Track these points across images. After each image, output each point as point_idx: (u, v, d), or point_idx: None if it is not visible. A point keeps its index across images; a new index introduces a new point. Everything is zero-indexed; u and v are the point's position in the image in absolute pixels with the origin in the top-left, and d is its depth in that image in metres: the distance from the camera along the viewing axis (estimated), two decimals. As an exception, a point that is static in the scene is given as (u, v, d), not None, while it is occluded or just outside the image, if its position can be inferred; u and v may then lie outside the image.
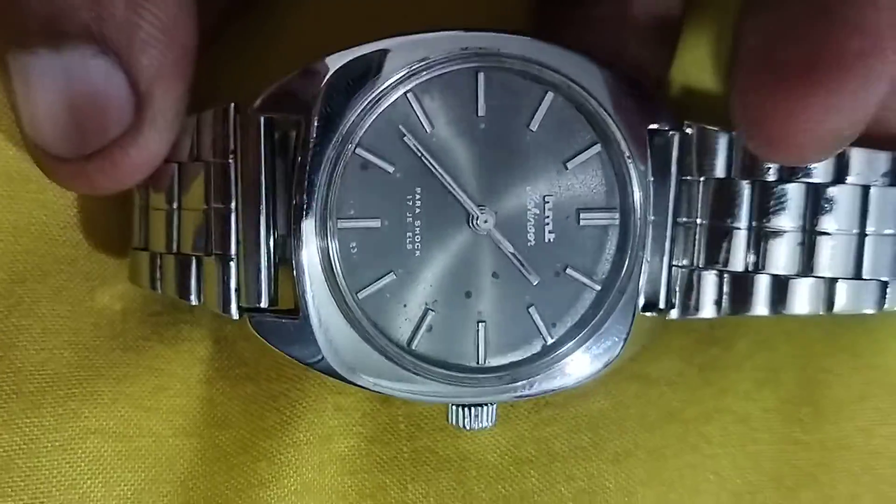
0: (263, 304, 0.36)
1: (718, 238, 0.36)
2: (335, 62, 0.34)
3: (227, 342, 0.40)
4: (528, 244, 0.36)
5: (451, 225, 0.36)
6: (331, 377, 0.36)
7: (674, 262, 0.36)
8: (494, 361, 0.36)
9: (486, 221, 0.36)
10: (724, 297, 0.36)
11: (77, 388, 0.39)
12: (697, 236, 0.36)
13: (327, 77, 0.34)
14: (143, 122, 0.33)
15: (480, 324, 0.36)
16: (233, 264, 0.35)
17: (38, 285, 0.39)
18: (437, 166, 0.35)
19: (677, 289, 0.36)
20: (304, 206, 0.35)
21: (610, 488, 0.40)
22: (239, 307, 0.36)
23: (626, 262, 0.36)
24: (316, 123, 0.34)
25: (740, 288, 0.36)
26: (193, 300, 0.37)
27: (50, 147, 0.33)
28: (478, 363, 0.36)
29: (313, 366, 0.35)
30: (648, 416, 0.40)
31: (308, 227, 0.35)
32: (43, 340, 0.39)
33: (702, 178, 0.36)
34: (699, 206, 0.36)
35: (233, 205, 0.35)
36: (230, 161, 0.35)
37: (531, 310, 0.36)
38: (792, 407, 0.40)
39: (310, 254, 0.35)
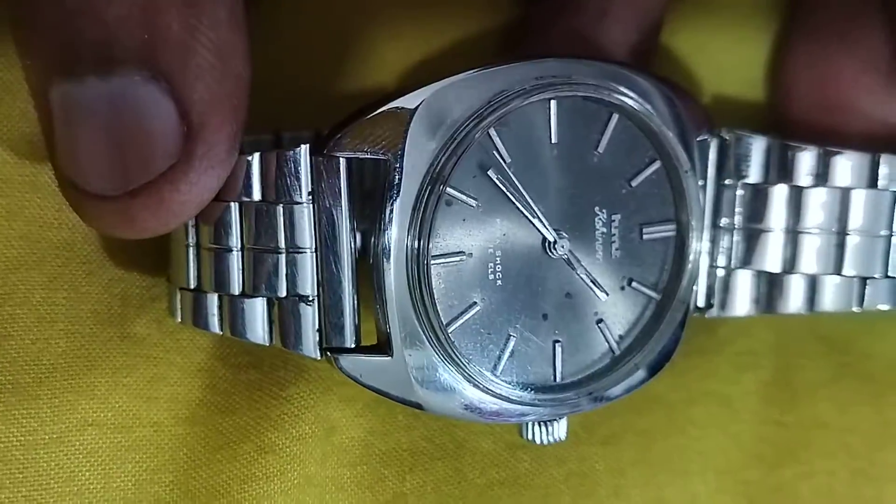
0: (349, 343, 0.35)
1: (754, 240, 0.38)
2: (415, 100, 0.34)
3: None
4: (597, 262, 0.37)
5: (529, 251, 0.36)
6: (420, 410, 0.36)
7: (713, 264, 0.38)
8: (570, 378, 0.37)
9: (562, 246, 0.36)
10: (761, 296, 0.39)
11: (73, 379, 0.38)
12: (735, 238, 0.38)
13: (411, 116, 0.34)
14: (194, 155, 0.31)
15: (556, 343, 0.37)
16: (311, 306, 0.35)
17: (33, 272, 0.37)
18: (516, 197, 0.36)
19: (716, 288, 0.38)
20: (390, 246, 0.34)
21: (600, 470, 0.41)
22: (321, 347, 0.36)
23: (683, 270, 0.37)
24: (403, 163, 0.34)
25: (776, 287, 0.39)
26: (263, 341, 0.36)
27: (89, 184, 0.31)
28: (555, 381, 0.37)
29: (408, 404, 0.36)
30: (636, 400, 0.41)
31: (395, 265, 0.35)
32: (38, 330, 0.37)
33: (739, 182, 0.38)
34: (736, 208, 0.38)
35: (311, 246, 0.35)
36: (306, 202, 0.35)
37: (601, 325, 0.37)
38: (770, 389, 0.42)
39: (398, 292, 0.35)
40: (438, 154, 0.34)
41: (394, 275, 0.35)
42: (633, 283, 0.37)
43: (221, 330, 0.37)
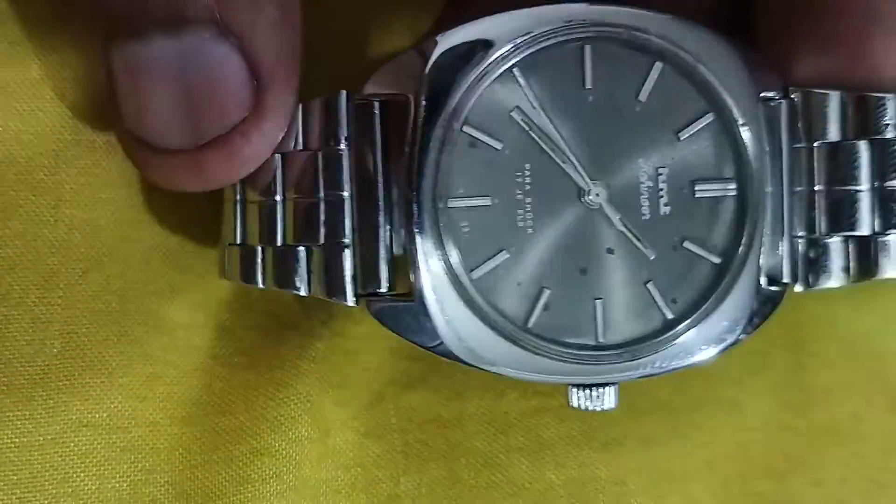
0: (383, 288, 0.35)
1: (840, 203, 0.35)
2: (442, 42, 0.34)
3: (225, 330, 0.40)
4: (643, 218, 0.35)
5: (563, 200, 0.35)
6: (450, 360, 0.35)
7: (794, 234, 0.35)
8: (613, 339, 0.35)
9: (597, 195, 0.35)
10: (852, 263, 0.35)
11: (68, 380, 0.38)
12: (817, 204, 0.35)
13: (433, 56, 0.34)
14: (266, 107, 0.32)
15: (597, 300, 0.35)
16: (348, 252, 0.35)
17: (28, 272, 0.37)
18: (545, 141, 0.35)
19: (800, 260, 0.36)
20: (415, 188, 0.34)
21: (601, 478, 0.40)
22: (356, 294, 0.35)
23: (745, 234, 0.35)
24: (423, 103, 0.34)
25: (867, 252, 0.35)
26: (302, 291, 0.36)
27: (160, 139, 0.32)
28: (596, 341, 0.35)
29: (433, 350, 0.35)
30: (637, 405, 0.40)
31: (420, 209, 0.34)
32: (33, 331, 0.37)
33: (815, 144, 0.35)
34: (816, 172, 0.35)
35: (346, 193, 0.35)
36: (342, 148, 0.35)
37: (649, 285, 0.35)
38: (781, 392, 0.40)
39: (423, 235, 0.34)
40: (457, 93, 0.34)
41: (416, 218, 0.34)
42: (686, 243, 0.35)
43: (264, 284, 0.37)
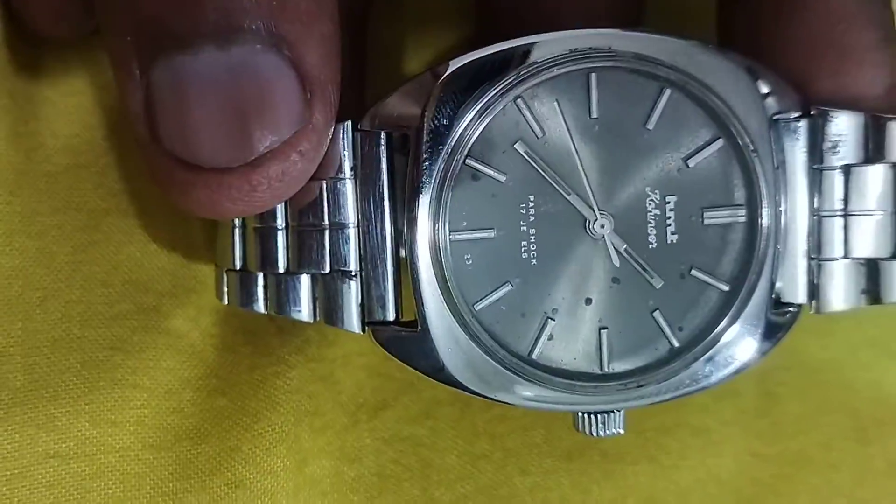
0: (390, 318, 0.35)
1: (858, 226, 0.35)
2: (446, 71, 0.33)
3: (195, 351, 0.39)
4: (650, 246, 0.35)
5: (567, 231, 0.35)
6: (454, 388, 0.35)
7: (813, 255, 0.35)
8: (619, 367, 0.35)
9: (602, 226, 0.34)
10: (870, 286, 0.35)
11: (32, 412, 0.37)
12: (836, 226, 0.35)
13: (436, 87, 0.33)
14: (319, 121, 0.31)
15: (602, 330, 0.35)
16: (354, 282, 0.35)
17: None
18: (549, 172, 0.34)
19: (818, 282, 0.35)
20: (416, 220, 0.34)
21: (565, 485, 0.41)
22: (363, 322, 0.35)
23: (755, 260, 0.35)
24: (425, 136, 0.33)
25: (887, 275, 0.35)
26: (306, 318, 0.35)
27: (207, 158, 0.30)
28: (601, 370, 0.35)
29: (438, 379, 0.35)
30: None
31: (422, 240, 0.34)
32: None
33: (834, 164, 0.35)
34: (834, 194, 0.35)
35: (352, 222, 0.34)
36: (348, 177, 0.34)
37: (656, 314, 0.35)
38: (750, 419, 0.41)
39: (425, 267, 0.34)
40: (459, 126, 0.34)
41: (419, 250, 0.34)
42: (694, 271, 0.35)
43: (266, 310, 0.36)
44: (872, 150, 0.35)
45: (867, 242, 0.35)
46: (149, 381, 0.38)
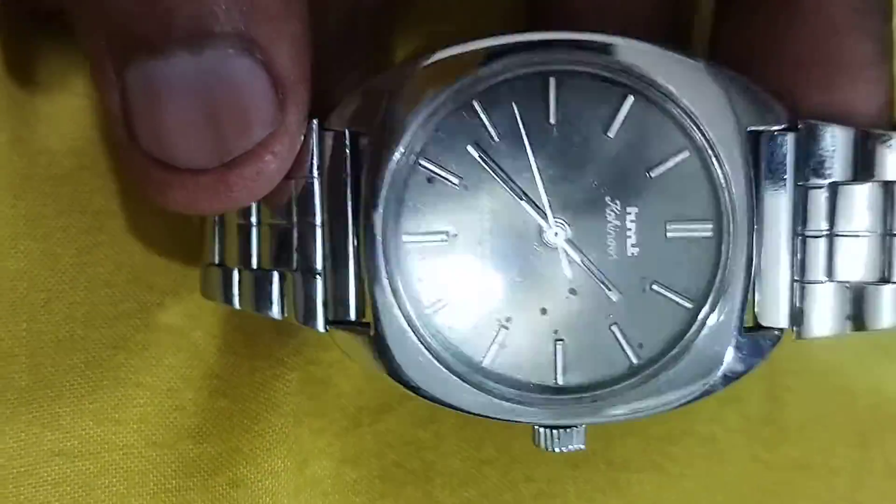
0: (352, 317, 0.34)
1: (845, 248, 0.34)
2: (399, 73, 0.33)
3: (197, 350, 0.39)
4: (610, 258, 0.34)
5: (522, 238, 0.34)
6: (409, 390, 0.34)
7: (796, 277, 0.34)
8: (574, 381, 0.34)
9: (556, 234, 0.34)
10: (856, 311, 0.34)
11: (38, 412, 0.38)
12: (821, 247, 0.34)
13: (395, 87, 0.33)
14: (291, 122, 0.31)
15: (558, 343, 0.34)
16: (319, 279, 0.34)
17: None
18: (504, 177, 0.34)
19: (801, 306, 0.34)
20: (372, 222, 0.33)
21: (570, 492, 0.40)
22: (326, 321, 0.35)
23: (721, 278, 0.33)
24: (382, 137, 0.33)
25: (873, 301, 0.34)
26: (276, 315, 0.36)
27: (183, 159, 0.31)
28: (555, 383, 0.34)
29: (394, 378, 0.34)
30: (610, 430, 0.40)
31: (373, 244, 0.33)
32: (1, 366, 0.37)
33: (824, 182, 0.33)
34: (820, 212, 0.33)
35: (318, 220, 0.34)
36: (314, 177, 0.34)
37: (614, 328, 0.34)
38: (755, 426, 0.40)
39: (379, 269, 0.34)
40: (413, 127, 0.33)
41: (374, 252, 0.34)
42: (655, 286, 0.34)
43: (241, 305, 0.36)
44: (861, 168, 0.33)
45: (853, 265, 0.34)
46: (151, 379, 0.39)
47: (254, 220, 0.35)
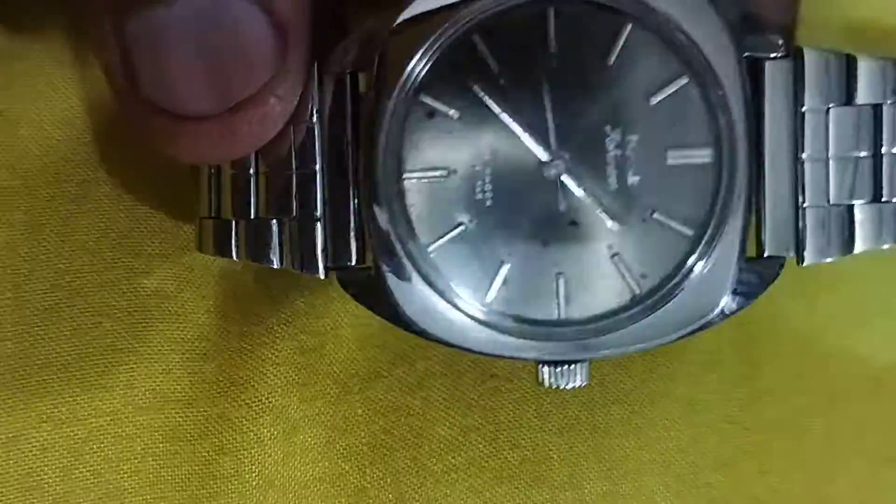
0: (353, 261, 0.35)
1: (849, 169, 0.34)
2: (397, 11, 0.33)
3: (185, 312, 0.39)
4: (611, 188, 0.33)
5: (522, 171, 0.33)
6: (412, 333, 0.34)
7: (802, 203, 0.34)
8: (577, 314, 0.34)
9: (556, 166, 0.33)
10: (866, 229, 0.34)
11: (25, 378, 0.38)
12: (829, 170, 0.34)
13: (393, 24, 0.33)
14: (293, 63, 0.31)
15: (559, 275, 0.34)
16: (319, 224, 0.34)
17: None
18: (503, 110, 0.33)
19: (804, 232, 0.34)
20: (370, 161, 0.33)
21: (554, 458, 0.41)
22: (325, 267, 0.35)
23: (722, 204, 0.33)
24: (377, 73, 0.33)
25: (883, 219, 0.34)
26: (275, 263, 0.35)
27: (187, 106, 0.31)
28: (558, 316, 0.34)
29: (398, 324, 0.34)
30: (592, 396, 0.41)
31: (375, 182, 0.33)
32: None
33: (827, 107, 0.33)
34: (826, 137, 0.33)
35: (317, 166, 0.34)
36: (313, 122, 0.34)
37: (616, 259, 0.34)
38: (731, 388, 0.41)
39: (379, 210, 0.33)
40: (412, 62, 0.33)
41: (375, 190, 0.33)
42: (656, 215, 0.33)
43: (239, 257, 0.36)
44: (864, 91, 0.34)
45: (861, 185, 0.34)
46: (139, 345, 0.39)
47: (251, 169, 0.35)
